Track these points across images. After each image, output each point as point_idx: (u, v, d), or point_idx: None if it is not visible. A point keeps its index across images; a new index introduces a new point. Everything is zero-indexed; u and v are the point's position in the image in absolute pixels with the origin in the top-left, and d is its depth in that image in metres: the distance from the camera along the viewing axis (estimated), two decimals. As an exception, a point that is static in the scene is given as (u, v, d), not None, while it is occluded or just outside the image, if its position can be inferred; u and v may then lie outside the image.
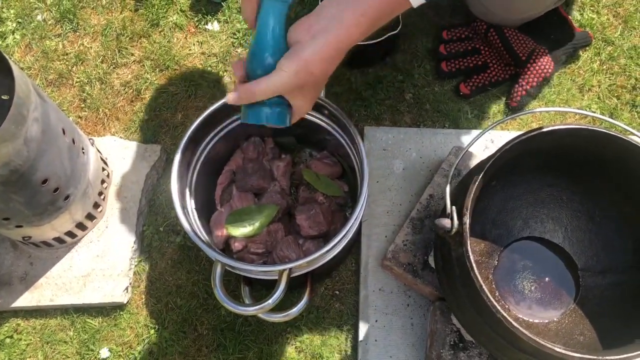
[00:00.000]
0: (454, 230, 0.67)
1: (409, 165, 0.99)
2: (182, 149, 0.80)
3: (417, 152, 1.00)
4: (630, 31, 1.08)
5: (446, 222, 0.68)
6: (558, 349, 0.61)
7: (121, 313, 0.93)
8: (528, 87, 1.00)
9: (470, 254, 0.65)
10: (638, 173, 0.73)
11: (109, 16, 1.16)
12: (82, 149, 0.88)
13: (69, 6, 1.16)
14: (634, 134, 0.69)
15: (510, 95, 1.02)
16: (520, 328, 0.61)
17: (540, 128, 0.70)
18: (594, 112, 0.74)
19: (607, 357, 0.61)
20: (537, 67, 1.00)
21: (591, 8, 1.10)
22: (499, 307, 0.62)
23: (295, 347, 0.91)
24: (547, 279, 0.83)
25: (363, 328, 0.89)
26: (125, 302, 0.93)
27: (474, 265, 0.64)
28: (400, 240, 0.88)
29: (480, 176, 0.68)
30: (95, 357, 0.91)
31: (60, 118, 0.81)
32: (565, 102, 1.03)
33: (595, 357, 0.60)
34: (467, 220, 0.66)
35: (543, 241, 0.85)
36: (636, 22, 1.09)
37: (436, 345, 0.82)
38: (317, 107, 0.84)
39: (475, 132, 1.00)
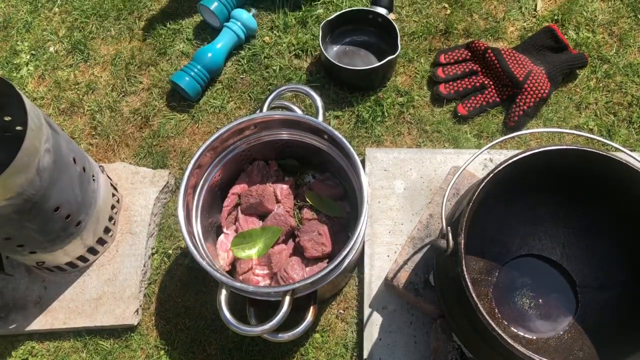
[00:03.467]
0: (449, 250, 0.69)
1: (409, 185, 1.01)
2: (189, 174, 0.83)
3: (417, 172, 1.02)
4: (625, 49, 1.11)
5: (442, 242, 0.70)
6: (552, 365, 0.62)
7: (132, 334, 0.96)
8: (525, 107, 1.03)
9: (465, 273, 0.67)
10: (630, 191, 0.75)
11: (118, 46, 1.20)
12: (93, 176, 0.91)
13: (79, 37, 1.21)
14: (624, 152, 0.71)
15: (508, 115, 1.04)
16: (515, 344, 0.62)
17: (531, 149, 0.72)
18: (583, 132, 0.76)
19: (600, 372, 0.62)
20: (534, 88, 1.02)
21: (587, 27, 1.13)
22: (494, 325, 0.63)
23: (302, 367, 0.93)
24: (546, 295, 0.85)
25: (367, 346, 0.91)
26: (135, 324, 0.95)
27: (469, 284, 0.66)
28: (401, 260, 0.90)
29: (474, 198, 0.70)
30: (107, 378, 0.93)
31: (71, 148, 0.85)
32: (563, 120, 1.06)
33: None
34: (462, 240, 0.68)
35: (541, 258, 0.86)
36: (631, 40, 1.11)
37: (438, 362, 0.84)
38: (317, 132, 0.87)
39: (474, 152, 1.02)
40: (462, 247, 0.68)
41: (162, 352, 0.95)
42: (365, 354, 0.91)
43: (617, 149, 0.71)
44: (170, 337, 0.96)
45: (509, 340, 0.62)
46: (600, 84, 1.08)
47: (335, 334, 0.94)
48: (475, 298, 0.65)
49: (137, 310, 0.95)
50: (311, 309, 0.81)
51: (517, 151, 0.98)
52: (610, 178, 0.76)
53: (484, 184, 0.71)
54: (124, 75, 1.17)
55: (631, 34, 1.12)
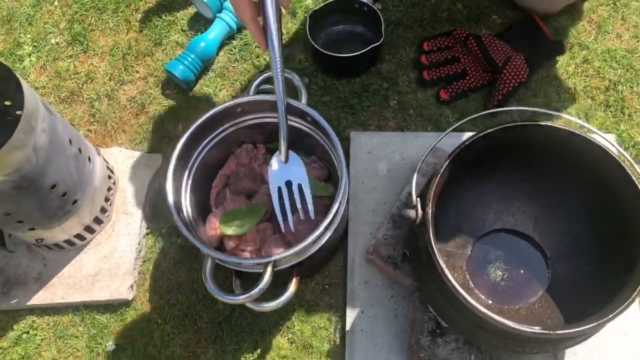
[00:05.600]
0: (418, 219, 0.73)
1: (392, 166, 1.05)
2: (177, 155, 0.87)
3: (400, 155, 1.06)
4: (603, 35, 1.14)
5: (412, 212, 0.74)
6: (512, 325, 0.66)
7: (127, 309, 1.01)
8: (504, 91, 1.06)
9: (433, 241, 0.71)
10: (594, 168, 0.79)
11: (116, 37, 1.25)
12: (89, 158, 0.96)
13: (79, 30, 1.26)
14: (594, 132, 0.75)
15: (489, 99, 1.08)
16: (474, 302, 0.66)
17: (495, 126, 0.76)
18: (550, 111, 0.79)
19: (557, 332, 0.66)
20: (512, 73, 1.06)
21: (567, 14, 1.16)
22: (456, 285, 0.68)
23: (288, 339, 0.97)
24: (518, 268, 0.89)
25: (350, 319, 0.95)
26: (130, 299, 1.00)
27: (436, 250, 0.70)
28: (381, 235, 0.94)
29: (441, 170, 0.74)
30: (103, 350, 0.98)
31: (67, 130, 0.90)
32: (542, 104, 1.09)
33: (545, 332, 0.66)
34: (429, 210, 0.72)
35: (514, 233, 0.90)
36: (609, 27, 1.14)
37: (416, 332, 0.88)
38: (301, 114, 0.91)
39: (455, 135, 1.06)
40: (430, 216, 0.72)
41: (155, 326, 0.99)
42: (348, 327, 0.95)
43: (589, 130, 0.75)
44: (164, 311, 1.00)
45: (469, 299, 0.66)
46: (579, 70, 1.12)
47: (320, 308, 0.98)
48: (442, 262, 0.69)
49: (131, 286, 1.00)
50: (293, 280, 0.85)
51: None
52: (575, 155, 0.80)
53: (451, 157, 0.75)
54: (121, 65, 1.22)
55: (609, 21, 1.15)
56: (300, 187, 0.87)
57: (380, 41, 1.10)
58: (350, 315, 0.96)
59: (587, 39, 1.14)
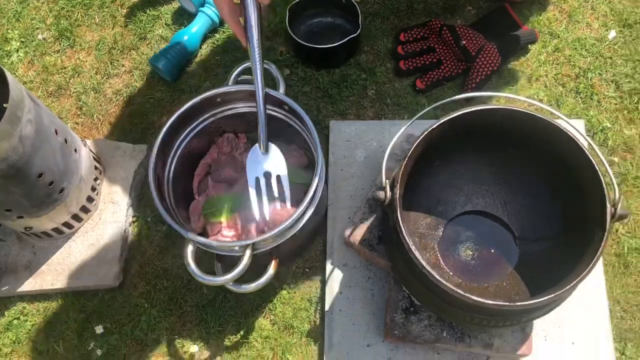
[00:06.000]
0: (387, 200, 0.77)
1: (370, 154, 1.09)
2: (159, 144, 0.90)
3: (377, 142, 1.10)
4: (574, 25, 1.18)
5: (381, 194, 0.77)
6: (474, 298, 0.70)
7: (114, 294, 1.04)
8: (477, 80, 1.10)
9: (400, 220, 0.75)
10: (558, 151, 0.82)
11: (102, 32, 1.28)
12: (75, 149, 1.00)
13: (66, 25, 1.29)
14: (558, 116, 0.78)
15: (462, 87, 1.12)
16: (438, 277, 0.70)
17: (461, 110, 0.79)
18: (511, 95, 0.83)
19: (517, 304, 0.70)
20: (485, 61, 1.10)
21: (539, 5, 1.20)
22: (422, 261, 0.71)
23: (270, 320, 1.01)
24: (488, 247, 0.92)
25: (329, 300, 0.99)
26: (117, 284, 1.04)
27: (403, 229, 0.74)
28: (358, 219, 0.98)
29: (409, 153, 0.78)
30: (92, 334, 1.02)
31: (53, 121, 0.93)
32: (515, 91, 1.13)
33: (504, 303, 0.69)
34: (397, 191, 0.76)
35: (485, 214, 0.94)
36: (580, 16, 1.18)
37: (390, 310, 0.92)
38: (278, 103, 0.95)
39: (432, 122, 1.09)
40: (398, 197, 0.76)
41: (142, 310, 1.03)
42: (327, 307, 0.99)
43: (553, 114, 0.78)
44: (150, 296, 1.04)
45: (433, 273, 0.70)
46: (550, 58, 1.15)
47: (301, 290, 1.02)
48: (408, 239, 0.73)
49: (118, 272, 1.03)
50: (273, 262, 0.89)
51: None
52: (540, 138, 0.83)
53: (418, 142, 0.78)
54: (107, 59, 1.25)
55: (580, 11, 1.19)
56: (279, 178, 0.89)
57: (357, 32, 1.13)
58: (329, 296, 1.00)
59: (558, 28, 1.18)
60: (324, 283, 1.01)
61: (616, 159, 1.07)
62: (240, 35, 0.82)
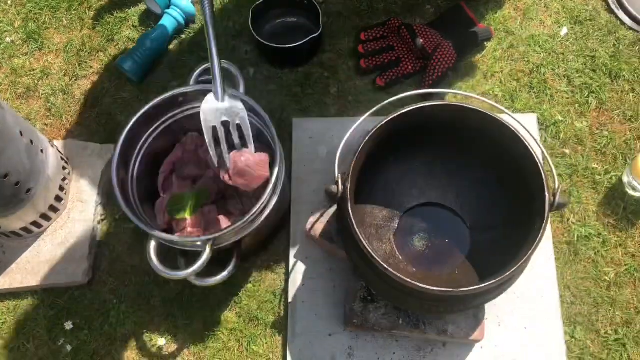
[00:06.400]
0: (339, 194, 0.80)
1: (332, 150, 1.12)
2: (122, 144, 0.93)
3: (339, 139, 1.12)
4: (528, 22, 1.22)
5: (334, 188, 0.81)
6: (419, 284, 0.74)
7: (84, 291, 1.07)
8: (434, 77, 1.14)
9: (351, 212, 0.78)
10: (504, 144, 0.86)
11: (70, 35, 1.30)
12: (41, 149, 1.02)
13: (34, 28, 1.31)
14: (502, 111, 0.82)
15: (420, 84, 1.15)
16: (384, 264, 0.74)
17: (408, 107, 0.83)
18: (462, 92, 0.87)
19: (460, 289, 0.74)
20: (441, 59, 1.13)
21: (494, 3, 1.24)
22: (371, 251, 0.75)
23: (236, 313, 1.04)
24: (442, 238, 0.97)
25: (292, 292, 1.03)
26: (86, 281, 1.06)
27: (354, 221, 0.78)
28: (318, 213, 1.01)
29: (360, 148, 0.81)
30: (62, 330, 1.04)
31: (18, 122, 0.95)
32: (471, 87, 1.17)
33: (446, 289, 0.73)
34: (348, 185, 0.79)
35: (438, 206, 0.98)
36: (534, 14, 1.22)
37: (349, 300, 0.95)
38: (240, 102, 0.98)
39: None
40: (349, 190, 0.79)
41: (110, 306, 1.06)
42: (290, 299, 1.02)
43: (500, 110, 0.82)
44: (118, 292, 1.07)
45: (379, 260, 0.74)
46: (506, 54, 1.19)
47: (266, 283, 1.06)
48: (358, 230, 0.77)
49: (87, 269, 1.06)
50: (234, 256, 0.92)
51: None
52: (486, 133, 0.87)
53: (367, 137, 0.82)
54: (75, 61, 1.27)
55: (534, 8, 1.23)
56: (238, 127, 0.86)
57: (319, 32, 1.16)
58: (293, 288, 1.03)
59: (513, 25, 1.22)
60: (287, 276, 1.05)
61: (567, 151, 1.11)
62: None
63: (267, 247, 1.08)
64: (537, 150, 0.83)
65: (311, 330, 1.00)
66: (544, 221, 0.77)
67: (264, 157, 0.90)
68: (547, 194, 0.78)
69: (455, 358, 0.97)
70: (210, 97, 0.87)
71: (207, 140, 0.86)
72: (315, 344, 0.99)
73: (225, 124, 0.87)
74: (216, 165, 0.86)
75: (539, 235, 0.76)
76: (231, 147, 0.87)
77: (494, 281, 0.74)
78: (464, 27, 1.19)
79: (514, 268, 0.74)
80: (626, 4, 1.20)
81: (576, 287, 1.02)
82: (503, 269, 0.82)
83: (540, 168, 0.79)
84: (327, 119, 1.16)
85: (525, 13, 1.23)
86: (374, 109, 0.88)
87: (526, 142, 0.82)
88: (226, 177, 0.88)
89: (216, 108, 0.86)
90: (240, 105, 0.87)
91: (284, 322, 1.02)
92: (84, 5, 1.33)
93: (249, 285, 1.06)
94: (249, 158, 0.88)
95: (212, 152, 0.86)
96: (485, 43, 1.20)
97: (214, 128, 0.86)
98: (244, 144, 0.87)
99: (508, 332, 0.98)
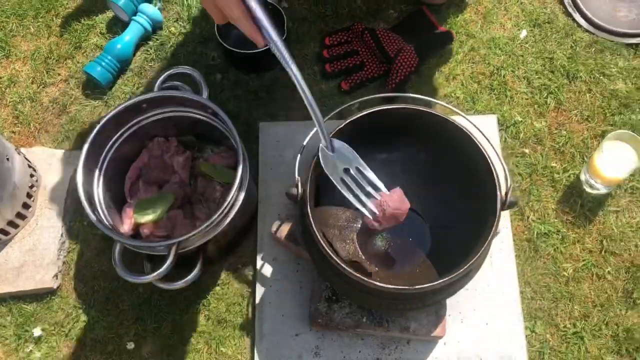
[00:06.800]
0: (299, 196, 0.82)
1: (298, 153, 1.14)
2: (86, 151, 0.94)
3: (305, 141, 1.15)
4: (488, 25, 1.25)
5: (294, 190, 0.83)
6: (378, 283, 0.76)
7: (53, 297, 1.08)
8: (397, 80, 1.16)
9: (310, 214, 0.80)
10: (460, 145, 0.89)
11: (38, 42, 1.31)
12: (7, 157, 1.02)
13: (1, 36, 1.31)
14: (458, 113, 0.85)
15: (384, 88, 1.18)
16: (341, 262, 0.76)
17: (366, 110, 0.85)
18: (422, 96, 0.90)
19: (417, 286, 0.76)
20: (403, 63, 1.16)
21: (455, 6, 1.27)
22: (329, 251, 0.77)
23: (204, 315, 1.05)
24: (404, 237, 0.99)
25: (259, 293, 1.04)
26: (55, 287, 1.07)
27: (313, 223, 0.80)
28: (284, 215, 1.03)
29: (318, 152, 0.83)
30: (30, 337, 1.05)
31: (-18, 131, 0.96)
32: (434, 90, 1.20)
33: (403, 287, 0.76)
34: (307, 187, 0.81)
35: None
36: (494, 17, 1.26)
37: (314, 300, 0.97)
38: (202, 107, 0.99)
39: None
40: (307, 192, 0.81)
41: (80, 311, 1.07)
42: (258, 300, 1.04)
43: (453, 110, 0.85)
44: (88, 297, 1.08)
45: (335, 258, 0.76)
46: (467, 57, 1.22)
47: (234, 286, 1.07)
48: (317, 232, 0.79)
49: (56, 275, 1.07)
50: (200, 260, 0.94)
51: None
52: (442, 134, 0.90)
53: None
54: (43, 69, 1.28)
55: (494, 12, 1.26)
56: (358, 169, 0.87)
57: (283, 37, 1.18)
58: (260, 290, 1.05)
59: (474, 28, 1.25)
60: (255, 278, 1.06)
61: (527, 151, 1.14)
62: (255, 35, 0.77)
63: (234, 250, 1.09)
64: (491, 150, 0.86)
65: (278, 331, 1.01)
66: (496, 219, 0.79)
67: (398, 192, 0.89)
68: (498, 192, 0.80)
69: (419, 355, 0.99)
70: (322, 152, 0.86)
71: (350, 198, 0.86)
72: (282, 344, 1.01)
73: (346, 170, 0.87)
74: (370, 218, 0.87)
75: (491, 232, 0.78)
76: (364, 190, 0.87)
77: (447, 278, 0.77)
78: (425, 31, 1.21)
79: (467, 265, 0.77)
80: (582, 7, 1.24)
81: (536, 282, 1.05)
82: (460, 267, 0.85)
83: (492, 167, 0.82)
84: (294, 122, 1.18)
85: (485, 16, 1.26)
86: (334, 112, 0.90)
87: (478, 143, 0.84)
88: (377, 225, 0.88)
89: (333, 161, 0.86)
90: (344, 145, 0.87)
91: (251, 323, 1.04)
92: (51, 12, 1.34)
93: (217, 288, 1.07)
94: (390, 201, 0.87)
95: (362, 209, 0.87)
96: (447, 46, 1.23)
97: (343, 180, 0.86)
98: (374, 186, 0.88)
99: (470, 329, 1.01)
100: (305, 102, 0.80)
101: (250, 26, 0.74)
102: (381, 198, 0.87)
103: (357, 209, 0.86)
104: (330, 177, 0.85)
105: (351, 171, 0.86)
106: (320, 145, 0.85)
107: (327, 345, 1.00)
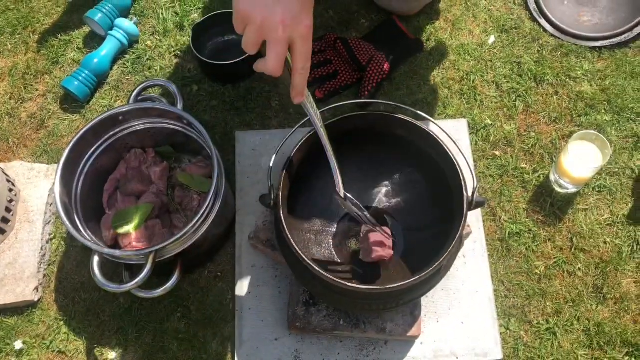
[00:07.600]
0: (273, 201, 0.84)
1: (275, 161, 1.16)
2: (64, 163, 0.96)
3: (281, 150, 1.17)
4: (457, 32, 1.29)
5: (268, 196, 0.85)
6: (350, 284, 0.78)
7: (34, 310, 1.08)
8: (369, 87, 1.19)
9: (283, 219, 0.82)
10: (429, 149, 0.92)
11: (15, 59, 1.32)
12: (-15, 172, 1.04)
13: (-22, 53, 1.33)
14: (426, 118, 0.88)
15: (358, 95, 1.21)
16: (316, 267, 0.78)
17: (337, 117, 0.88)
18: (390, 102, 0.93)
19: (387, 286, 0.78)
20: (375, 70, 1.19)
21: (425, 15, 1.30)
22: (301, 253, 0.79)
23: (185, 323, 1.07)
24: (378, 240, 1.01)
25: (239, 299, 1.06)
26: (36, 300, 1.08)
27: (286, 228, 0.82)
28: (260, 222, 1.05)
29: (290, 158, 0.86)
30: (12, 350, 1.05)
31: (-41, 146, 0.97)
32: (405, 96, 1.23)
33: (375, 287, 0.78)
34: (280, 192, 0.84)
35: (374, 209, 1.03)
36: (462, 24, 1.29)
37: (292, 304, 0.99)
38: (178, 119, 1.01)
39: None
40: (280, 198, 0.83)
41: (61, 323, 1.07)
42: (237, 307, 1.06)
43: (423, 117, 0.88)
44: (69, 309, 1.08)
45: (307, 260, 0.78)
46: (437, 64, 1.26)
47: (213, 293, 1.09)
48: (290, 235, 0.81)
49: (36, 288, 1.08)
50: (177, 268, 0.95)
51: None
52: (412, 140, 0.93)
53: (297, 147, 0.87)
54: (21, 85, 1.29)
55: (462, 19, 1.30)
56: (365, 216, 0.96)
57: (258, 48, 1.20)
58: (239, 296, 1.06)
59: (444, 35, 1.28)
60: (234, 284, 1.08)
61: (498, 153, 1.17)
62: (278, 68, 0.74)
63: (213, 258, 1.11)
64: (458, 153, 0.88)
65: (258, 336, 1.03)
66: (463, 218, 0.82)
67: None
68: (465, 192, 0.83)
69: (396, 355, 1.01)
70: (339, 200, 0.92)
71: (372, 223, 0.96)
72: (262, 349, 1.02)
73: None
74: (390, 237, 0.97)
75: (459, 231, 0.81)
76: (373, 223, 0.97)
77: (417, 277, 0.79)
78: (396, 40, 1.25)
79: (436, 264, 0.79)
80: (547, 13, 1.28)
81: (509, 281, 1.08)
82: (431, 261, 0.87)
83: (458, 169, 0.84)
84: (269, 131, 1.20)
85: (454, 24, 1.29)
86: (305, 119, 0.92)
87: (445, 147, 0.87)
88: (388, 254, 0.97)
89: (349, 205, 0.93)
90: (356, 202, 0.94)
91: (232, 330, 1.05)
92: (28, 29, 1.36)
93: (197, 296, 1.08)
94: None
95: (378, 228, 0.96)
96: (418, 54, 1.26)
97: (365, 215, 0.95)
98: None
99: (446, 328, 1.03)
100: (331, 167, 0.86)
101: (282, 54, 0.71)
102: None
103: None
104: (359, 219, 0.96)
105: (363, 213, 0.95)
106: (335, 195, 0.90)
107: (307, 349, 1.02)
